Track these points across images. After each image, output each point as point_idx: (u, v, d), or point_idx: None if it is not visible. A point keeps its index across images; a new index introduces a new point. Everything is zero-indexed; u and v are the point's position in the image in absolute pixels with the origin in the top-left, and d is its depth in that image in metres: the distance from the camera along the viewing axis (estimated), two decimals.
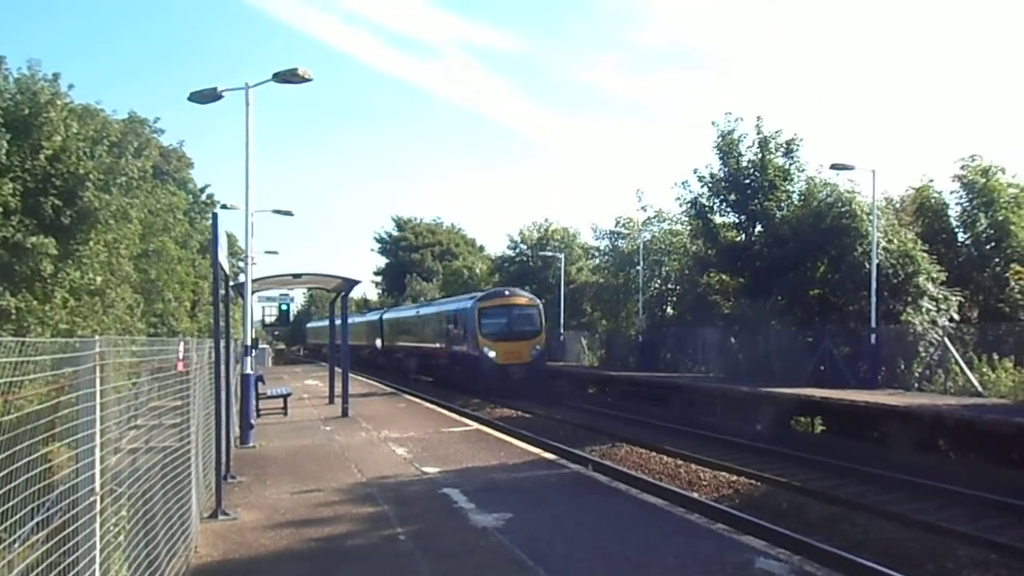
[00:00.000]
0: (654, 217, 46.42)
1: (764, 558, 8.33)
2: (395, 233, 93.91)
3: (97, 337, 5.35)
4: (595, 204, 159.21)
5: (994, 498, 13.37)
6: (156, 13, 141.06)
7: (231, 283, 17.19)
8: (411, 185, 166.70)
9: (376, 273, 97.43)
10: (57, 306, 19.28)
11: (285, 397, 23.93)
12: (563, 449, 17.95)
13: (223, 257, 11.51)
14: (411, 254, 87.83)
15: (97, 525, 4.99)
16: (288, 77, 16.90)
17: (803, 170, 33.04)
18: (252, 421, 17.95)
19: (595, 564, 8.35)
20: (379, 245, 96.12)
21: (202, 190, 43.10)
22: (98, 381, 5.07)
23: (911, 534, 11.53)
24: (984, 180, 30.59)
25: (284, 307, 42.03)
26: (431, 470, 13.89)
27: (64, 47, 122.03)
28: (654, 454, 18.64)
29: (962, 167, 31.49)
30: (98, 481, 5.03)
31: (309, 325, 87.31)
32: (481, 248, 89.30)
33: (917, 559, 10.41)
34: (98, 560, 5.00)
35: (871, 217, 27.03)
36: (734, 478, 15.98)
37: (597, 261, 52.77)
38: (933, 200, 32.45)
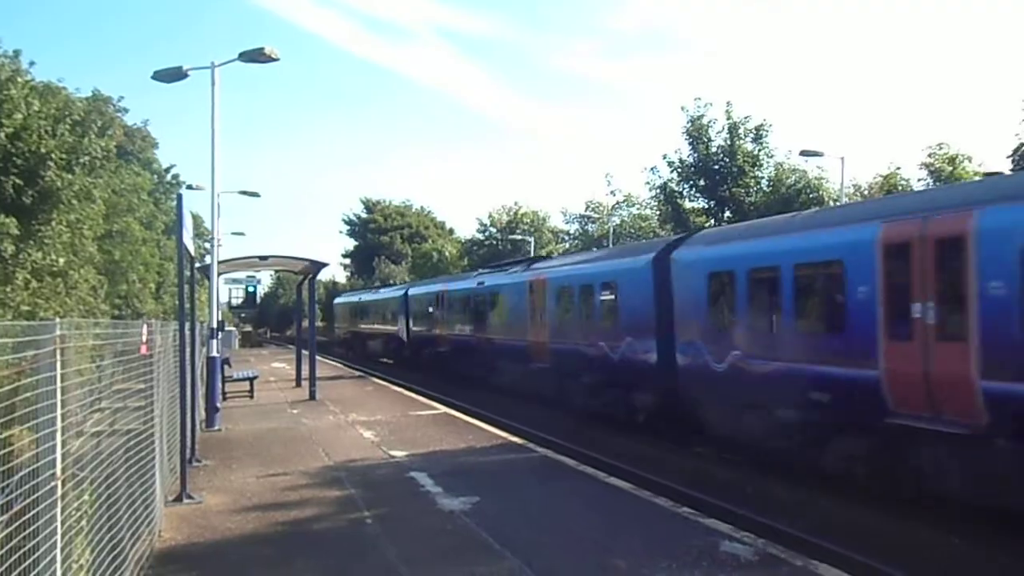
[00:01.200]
0: (623, 202, 46.64)
1: (729, 541, 8.43)
2: (364, 215, 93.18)
3: (57, 320, 5.27)
4: (566, 188, 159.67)
5: None
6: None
7: (197, 265, 17.01)
8: (381, 168, 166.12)
9: (345, 255, 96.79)
10: (18, 287, 18.93)
11: (252, 380, 23.82)
12: (531, 432, 17.97)
13: (188, 239, 11.39)
14: (380, 236, 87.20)
15: (59, 510, 4.93)
16: (255, 57, 16.73)
17: (772, 156, 33.32)
18: (218, 404, 17.83)
19: (561, 547, 8.40)
20: (348, 227, 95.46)
21: (167, 170, 42.64)
22: (59, 364, 5.00)
23: (876, 519, 11.64)
24: (951, 168, 31.01)
25: (251, 289, 41.71)
26: (399, 454, 13.88)
27: (28, 34, 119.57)
28: (621, 438, 18.71)
29: (929, 155, 31.94)
30: (59, 466, 4.96)
31: (339, 301, 65.13)
32: (451, 231, 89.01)
33: (882, 543, 10.53)
34: (59, 544, 4.94)
35: (839, 203, 27.29)
36: (701, 462, 16.07)
37: (567, 245, 52.90)
38: (900, 187, 32.85)
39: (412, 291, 39.86)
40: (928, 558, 9.39)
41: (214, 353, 17.90)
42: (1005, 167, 27.36)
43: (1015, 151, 23.87)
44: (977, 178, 30.58)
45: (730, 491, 13.53)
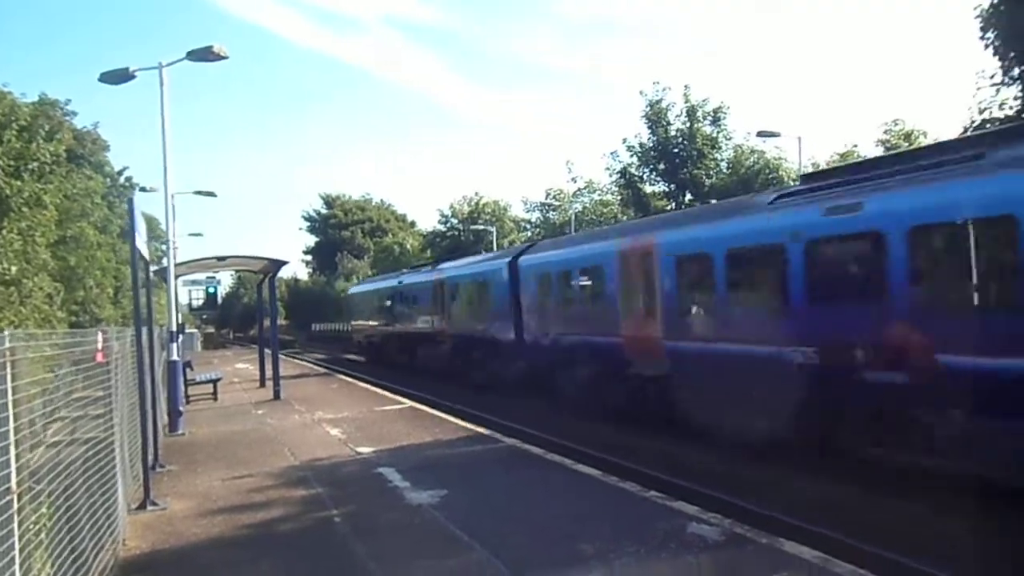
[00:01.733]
0: (584, 188, 46.77)
1: (696, 523, 8.50)
2: (324, 211, 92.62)
3: (7, 332, 5.17)
4: (528, 177, 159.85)
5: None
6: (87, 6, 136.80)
7: (153, 268, 16.79)
8: (341, 163, 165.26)
9: (306, 252, 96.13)
10: None
11: (215, 382, 23.59)
12: (498, 423, 17.99)
13: (141, 243, 11.24)
14: (340, 231, 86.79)
15: (15, 524, 4.85)
16: (203, 55, 16.53)
17: (731, 138, 33.68)
18: (181, 408, 17.65)
19: (529, 536, 8.41)
20: (308, 224, 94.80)
21: (120, 173, 42.05)
22: (9, 377, 4.91)
23: (850, 497, 11.70)
24: (907, 144, 31.47)
25: (211, 290, 41.28)
26: (365, 450, 13.83)
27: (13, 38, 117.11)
28: (591, 425, 18.77)
29: (885, 131, 32.42)
30: (14, 480, 4.88)
31: (357, 290, 49.09)
32: (412, 224, 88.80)
33: (854, 520, 10.60)
34: (18, 560, 4.86)
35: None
36: (668, 446, 16.16)
37: (529, 234, 52.96)
38: None
39: (529, 259, 22.38)
40: (900, 532, 9.43)
41: (175, 357, 17.71)
42: None
43: (965, 130, 24.18)
44: None
45: (701, 474, 13.57)
